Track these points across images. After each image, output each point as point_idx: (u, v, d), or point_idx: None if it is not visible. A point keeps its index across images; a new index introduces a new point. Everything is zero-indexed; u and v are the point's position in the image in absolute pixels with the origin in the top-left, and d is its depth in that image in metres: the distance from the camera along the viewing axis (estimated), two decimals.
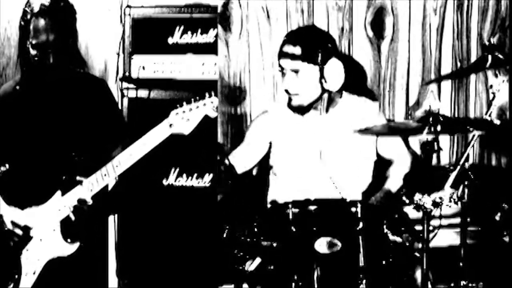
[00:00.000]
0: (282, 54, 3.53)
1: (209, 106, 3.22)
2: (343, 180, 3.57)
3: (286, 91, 3.55)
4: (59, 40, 3.36)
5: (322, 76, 3.49)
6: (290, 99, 3.57)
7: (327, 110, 3.62)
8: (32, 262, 3.35)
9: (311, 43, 3.50)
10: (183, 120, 3.24)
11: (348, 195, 3.43)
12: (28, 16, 3.36)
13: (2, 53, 4.21)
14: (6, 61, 4.22)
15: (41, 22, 3.35)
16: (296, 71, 3.49)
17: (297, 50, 3.48)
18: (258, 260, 3.17)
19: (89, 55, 4.00)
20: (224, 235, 3.27)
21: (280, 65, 3.54)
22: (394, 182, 3.60)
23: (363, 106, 3.69)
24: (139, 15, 4.00)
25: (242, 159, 3.73)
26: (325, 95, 3.57)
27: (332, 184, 3.53)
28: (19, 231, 3.35)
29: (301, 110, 3.59)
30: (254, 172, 3.86)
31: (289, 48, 3.51)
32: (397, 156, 3.68)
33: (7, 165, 3.44)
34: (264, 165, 3.77)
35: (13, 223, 3.36)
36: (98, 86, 3.60)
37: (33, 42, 3.35)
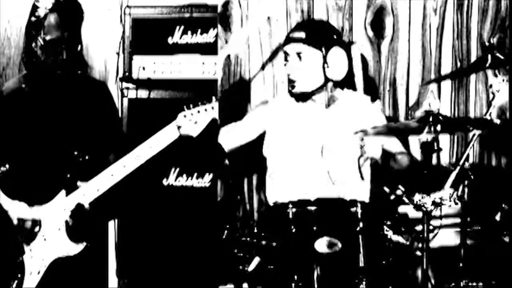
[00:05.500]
0: (287, 40, 3.59)
1: (217, 109, 3.25)
2: (343, 175, 3.55)
3: (288, 77, 3.57)
4: (71, 37, 3.35)
5: (325, 61, 3.50)
6: (292, 86, 3.57)
7: (328, 105, 3.62)
8: (37, 261, 3.33)
9: (315, 29, 3.57)
10: (191, 122, 3.25)
11: (346, 191, 3.43)
12: (40, 12, 3.32)
13: (2, 53, 4.21)
14: (6, 61, 4.22)
15: (55, 18, 3.32)
16: (299, 54, 3.52)
17: (301, 34, 3.54)
18: (256, 260, 3.17)
19: (89, 55, 4.00)
20: (224, 235, 3.26)
21: (285, 52, 3.58)
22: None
23: (364, 104, 3.69)
24: (139, 15, 4.01)
25: (230, 136, 3.72)
26: (328, 85, 3.57)
27: (330, 179, 3.53)
28: (28, 224, 3.32)
29: (303, 97, 3.59)
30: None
31: (294, 34, 3.57)
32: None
33: (7, 165, 3.43)
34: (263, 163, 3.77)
35: (19, 219, 3.33)
36: (99, 90, 3.59)
37: (47, 38, 3.32)
